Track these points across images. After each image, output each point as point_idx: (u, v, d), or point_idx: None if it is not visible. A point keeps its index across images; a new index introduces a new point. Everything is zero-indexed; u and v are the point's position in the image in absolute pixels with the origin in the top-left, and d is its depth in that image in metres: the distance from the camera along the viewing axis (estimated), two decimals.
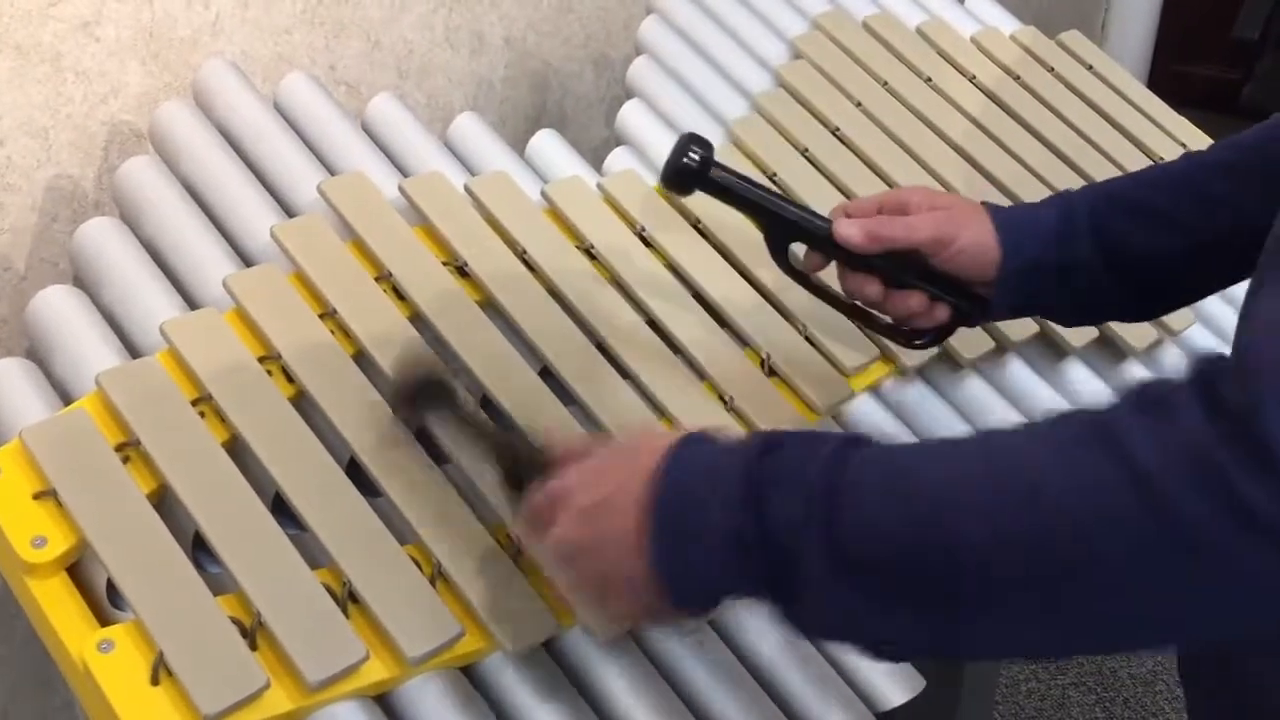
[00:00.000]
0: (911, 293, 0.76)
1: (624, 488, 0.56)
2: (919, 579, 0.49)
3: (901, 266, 0.75)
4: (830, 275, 0.78)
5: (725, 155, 0.99)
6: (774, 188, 0.79)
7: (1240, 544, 0.43)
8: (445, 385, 0.69)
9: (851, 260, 0.76)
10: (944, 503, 0.49)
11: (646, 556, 0.55)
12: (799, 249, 0.78)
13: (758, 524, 0.51)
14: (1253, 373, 0.44)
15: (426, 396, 0.69)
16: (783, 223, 0.77)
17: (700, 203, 0.95)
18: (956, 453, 0.51)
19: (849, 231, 0.74)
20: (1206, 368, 0.46)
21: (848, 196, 0.99)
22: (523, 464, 0.64)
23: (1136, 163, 1.11)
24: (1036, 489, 0.47)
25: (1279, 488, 0.43)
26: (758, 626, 0.74)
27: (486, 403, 0.77)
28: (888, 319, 0.79)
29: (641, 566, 0.55)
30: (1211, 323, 1.04)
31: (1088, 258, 0.75)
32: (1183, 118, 1.18)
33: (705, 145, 0.76)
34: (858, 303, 0.78)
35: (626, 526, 0.55)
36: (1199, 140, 1.16)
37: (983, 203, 0.78)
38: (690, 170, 0.75)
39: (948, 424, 0.90)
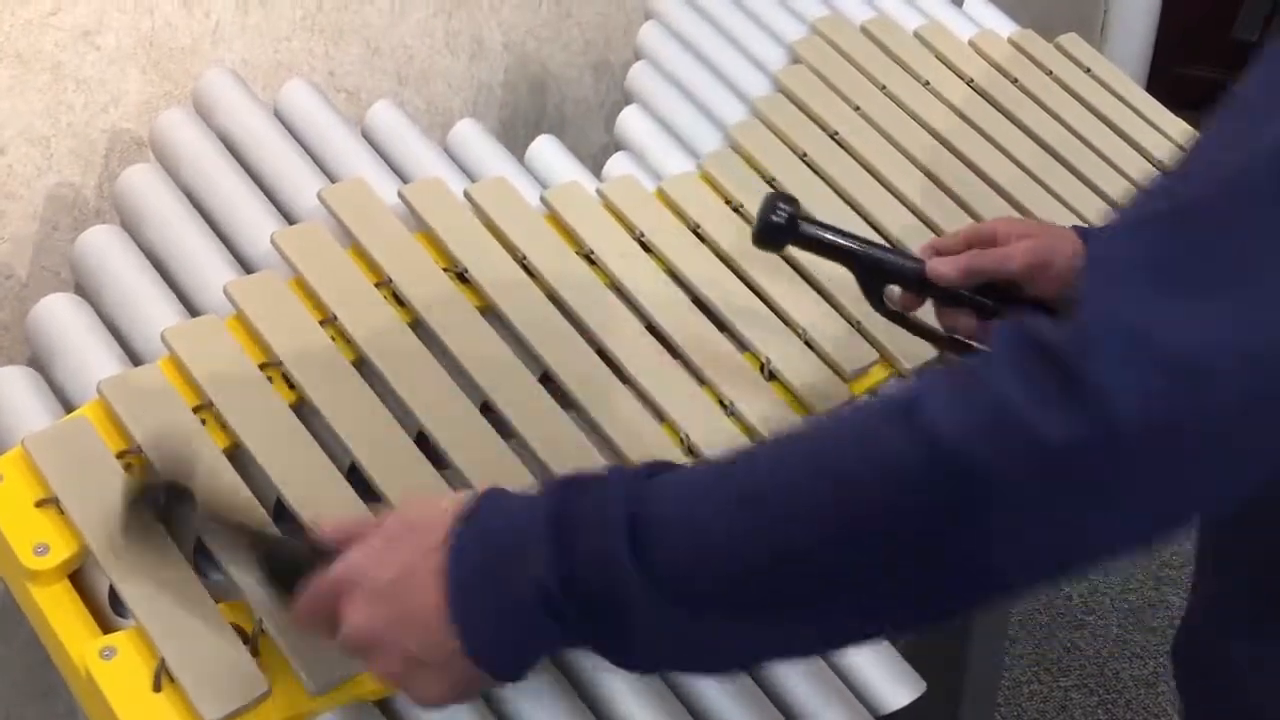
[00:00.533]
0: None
1: (418, 561, 0.52)
2: (734, 586, 0.47)
3: (996, 297, 0.76)
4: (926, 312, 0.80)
5: (724, 160, 1.00)
6: (860, 235, 0.80)
7: (1041, 489, 0.42)
8: (182, 490, 0.61)
9: (945, 296, 0.77)
10: (748, 505, 0.47)
11: (454, 631, 0.51)
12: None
13: (566, 576, 0.49)
14: (1088, 299, 0.43)
15: (163, 503, 0.60)
16: (875, 266, 0.78)
17: (698, 208, 0.95)
18: (754, 456, 0.50)
19: (944, 269, 0.75)
20: (1015, 321, 0.45)
21: (847, 201, 1.00)
22: (290, 561, 0.57)
23: (1135, 166, 1.11)
24: (835, 471, 0.45)
25: (1081, 416, 0.41)
26: None
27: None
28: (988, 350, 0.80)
29: (450, 640, 0.51)
30: None
31: None
32: (1181, 120, 1.18)
33: (791, 201, 0.79)
34: (957, 336, 0.79)
35: (428, 603, 0.51)
36: None
37: (1073, 227, 0.78)
38: (779, 227, 0.78)
39: None
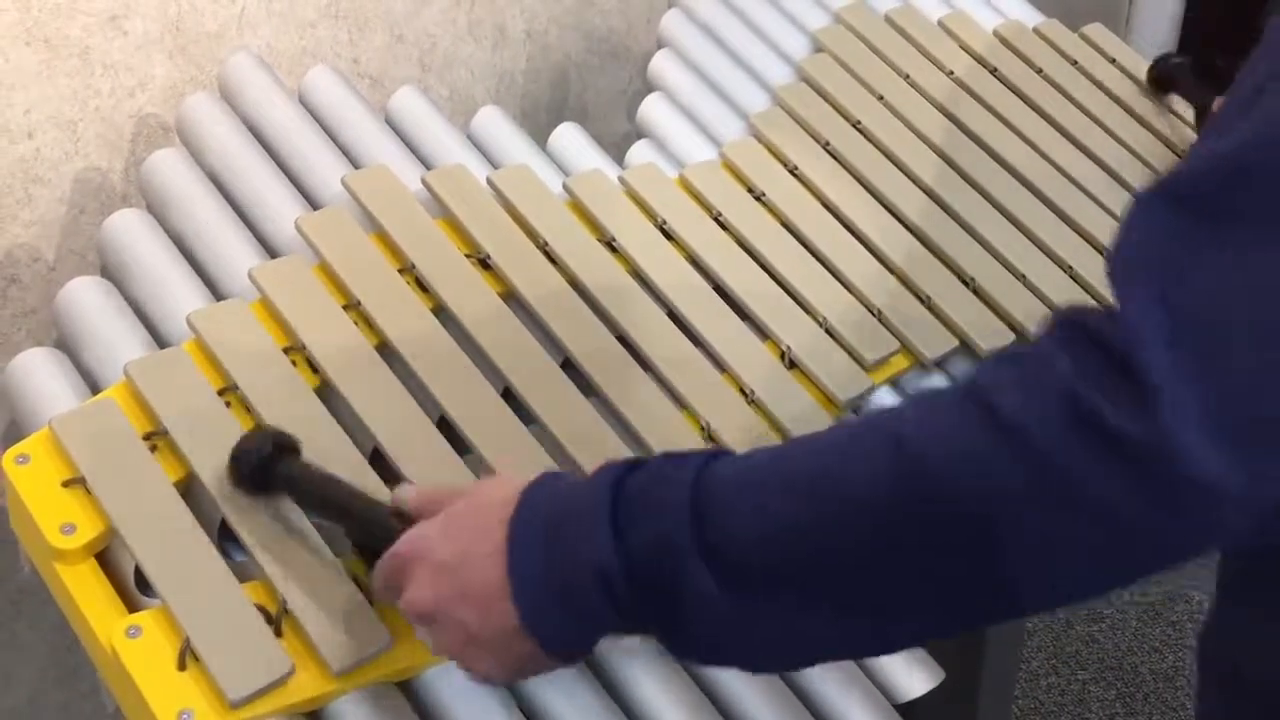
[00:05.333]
0: None
1: (481, 538, 0.53)
2: (804, 574, 0.47)
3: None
4: None
5: (746, 149, 1.00)
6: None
7: (1119, 485, 0.42)
8: (289, 453, 0.65)
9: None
10: (812, 491, 0.47)
11: (513, 610, 0.52)
12: None
13: (625, 560, 0.49)
14: (1122, 300, 0.43)
15: (269, 467, 0.65)
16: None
17: (719, 196, 0.95)
18: (819, 438, 0.50)
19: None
20: (1068, 313, 0.45)
21: (869, 190, 0.99)
22: (375, 528, 0.60)
23: (1160, 156, 1.10)
24: (908, 457, 0.45)
25: (1153, 420, 0.41)
26: None
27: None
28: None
29: (510, 618, 0.52)
30: None
31: None
32: None
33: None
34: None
35: (489, 579, 0.52)
36: None
37: None
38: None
39: None
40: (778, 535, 0.47)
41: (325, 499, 0.64)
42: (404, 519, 0.59)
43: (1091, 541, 0.43)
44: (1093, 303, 0.96)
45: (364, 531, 0.63)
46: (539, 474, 0.55)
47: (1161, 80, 1.01)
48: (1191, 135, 1.13)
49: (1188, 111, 1.16)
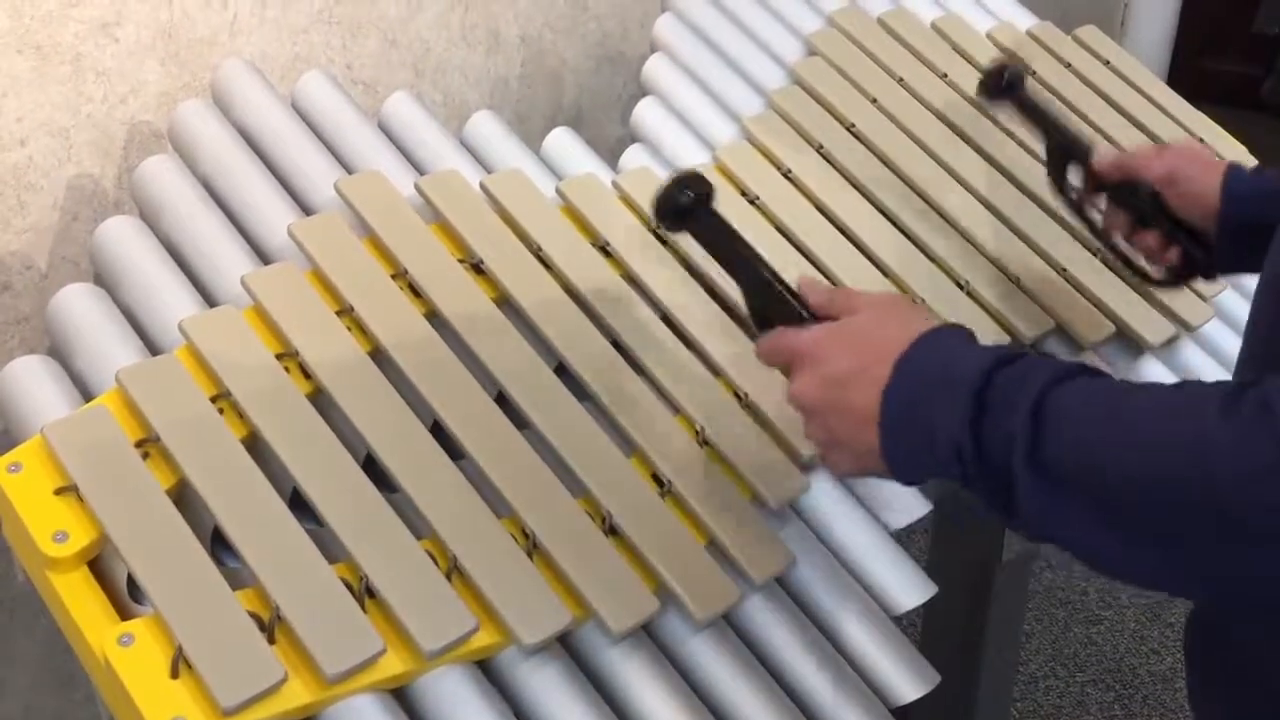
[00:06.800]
0: (1150, 231, 0.86)
1: (870, 366, 0.60)
2: (1114, 506, 0.53)
3: (1144, 203, 0.85)
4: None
5: (739, 152, 1.00)
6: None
7: None
8: (707, 189, 0.69)
9: (1111, 194, 0.87)
10: (1129, 443, 0.52)
11: (877, 435, 0.59)
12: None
13: (975, 442, 0.56)
14: None
15: (690, 210, 0.69)
16: (1066, 145, 0.90)
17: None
18: (1147, 398, 0.54)
19: (1104, 158, 0.87)
20: None
21: (863, 193, 0.99)
22: (774, 304, 0.67)
23: None
24: (1196, 440, 0.50)
25: None
26: (775, 624, 0.74)
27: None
28: (1138, 259, 0.89)
29: (871, 441, 0.60)
30: (1229, 317, 1.04)
31: None
32: (1202, 114, 1.17)
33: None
34: (1117, 240, 0.89)
35: (864, 404, 0.59)
36: (1219, 136, 1.15)
37: (1231, 163, 0.83)
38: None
39: None
40: (1083, 464, 0.53)
41: (731, 257, 0.69)
42: (800, 306, 0.65)
43: None
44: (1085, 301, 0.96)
45: (754, 293, 0.68)
46: (934, 325, 0.61)
47: (993, 89, 0.96)
48: (1187, 138, 1.13)
49: (1184, 114, 1.15)
